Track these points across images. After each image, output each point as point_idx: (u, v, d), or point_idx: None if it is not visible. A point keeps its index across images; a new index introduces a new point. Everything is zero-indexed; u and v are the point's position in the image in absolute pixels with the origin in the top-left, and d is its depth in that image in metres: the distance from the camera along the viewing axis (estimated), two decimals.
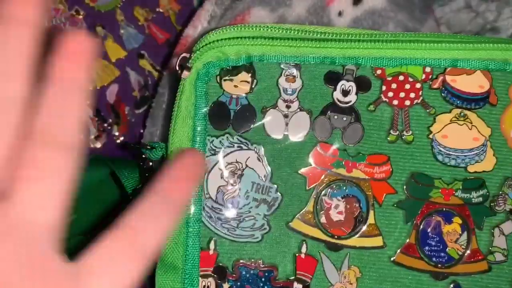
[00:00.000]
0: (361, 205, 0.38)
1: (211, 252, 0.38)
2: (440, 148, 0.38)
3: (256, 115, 0.38)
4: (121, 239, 0.23)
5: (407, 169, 0.38)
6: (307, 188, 0.38)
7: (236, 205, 0.38)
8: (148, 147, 0.39)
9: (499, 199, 0.38)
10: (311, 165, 0.38)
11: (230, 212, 0.38)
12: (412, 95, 0.38)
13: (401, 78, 0.38)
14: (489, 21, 0.47)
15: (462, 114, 0.38)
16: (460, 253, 0.38)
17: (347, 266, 0.38)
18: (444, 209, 0.38)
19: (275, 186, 0.38)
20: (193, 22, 0.46)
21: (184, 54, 0.38)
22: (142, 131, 0.49)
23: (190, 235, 0.38)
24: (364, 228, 0.38)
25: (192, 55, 0.37)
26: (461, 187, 0.38)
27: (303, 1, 0.44)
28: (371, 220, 0.38)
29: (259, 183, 0.38)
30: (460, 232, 0.38)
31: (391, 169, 0.38)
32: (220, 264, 0.38)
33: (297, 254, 0.38)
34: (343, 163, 0.38)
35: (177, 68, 0.38)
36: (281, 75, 0.38)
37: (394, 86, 0.38)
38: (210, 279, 0.38)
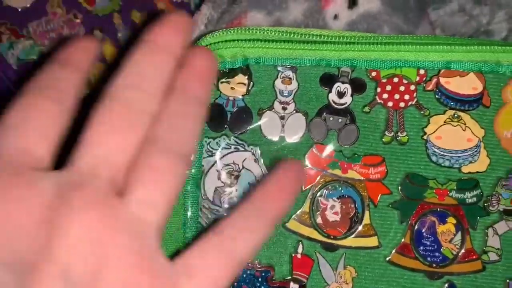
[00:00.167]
0: (356, 205, 0.38)
1: None
2: (434, 149, 0.38)
3: (253, 116, 0.38)
4: (217, 245, 0.25)
5: (402, 170, 0.38)
6: (303, 189, 0.38)
7: (234, 206, 0.38)
8: None
9: (492, 199, 0.39)
10: (307, 166, 0.38)
11: (227, 213, 0.38)
12: (407, 96, 0.38)
13: (395, 80, 0.38)
14: (482, 24, 0.48)
15: (456, 115, 0.38)
16: (455, 252, 0.39)
17: (343, 266, 0.38)
18: (438, 209, 0.38)
19: None
20: None
21: None
22: None
23: (187, 236, 0.38)
24: (360, 228, 0.38)
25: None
26: (455, 188, 0.38)
27: (299, 5, 0.45)
28: (366, 220, 0.38)
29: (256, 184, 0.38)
30: (455, 232, 0.39)
31: (386, 170, 0.38)
32: None
33: (293, 254, 0.38)
34: (339, 164, 0.38)
35: None
36: (277, 77, 0.38)
37: (388, 88, 0.38)
38: None
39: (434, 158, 0.38)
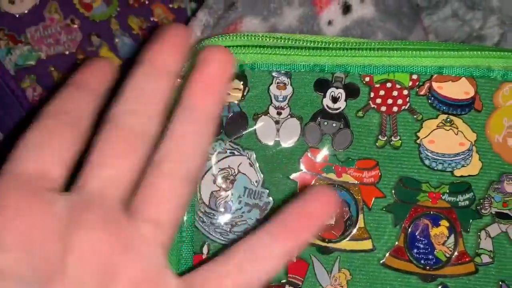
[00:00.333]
0: (351, 209, 0.39)
1: (204, 256, 0.38)
2: (427, 153, 0.39)
3: (248, 121, 0.39)
4: (225, 270, 0.26)
5: (395, 174, 0.39)
6: (298, 192, 0.39)
7: (229, 210, 0.39)
8: None
9: (485, 202, 0.39)
10: (302, 170, 0.39)
11: (223, 217, 0.39)
12: (400, 101, 0.39)
13: (388, 85, 0.39)
14: (475, 29, 0.48)
15: (448, 119, 0.39)
16: (448, 255, 0.39)
17: (337, 269, 0.39)
18: (431, 213, 0.39)
19: (267, 191, 0.39)
20: None
21: None
22: None
23: (183, 240, 0.38)
24: (354, 231, 0.39)
25: (185, 64, 0.38)
26: (448, 191, 0.39)
27: (294, 11, 0.45)
28: (360, 223, 0.39)
29: (251, 188, 0.39)
30: (448, 235, 0.39)
31: (379, 174, 0.39)
32: None
33: None
34: (333, 168, 0.39)
35: None
36: (272, 82, 0.39)
37: (382, 93, 0.39)
38: None
39: (427, 162, 0.39)
